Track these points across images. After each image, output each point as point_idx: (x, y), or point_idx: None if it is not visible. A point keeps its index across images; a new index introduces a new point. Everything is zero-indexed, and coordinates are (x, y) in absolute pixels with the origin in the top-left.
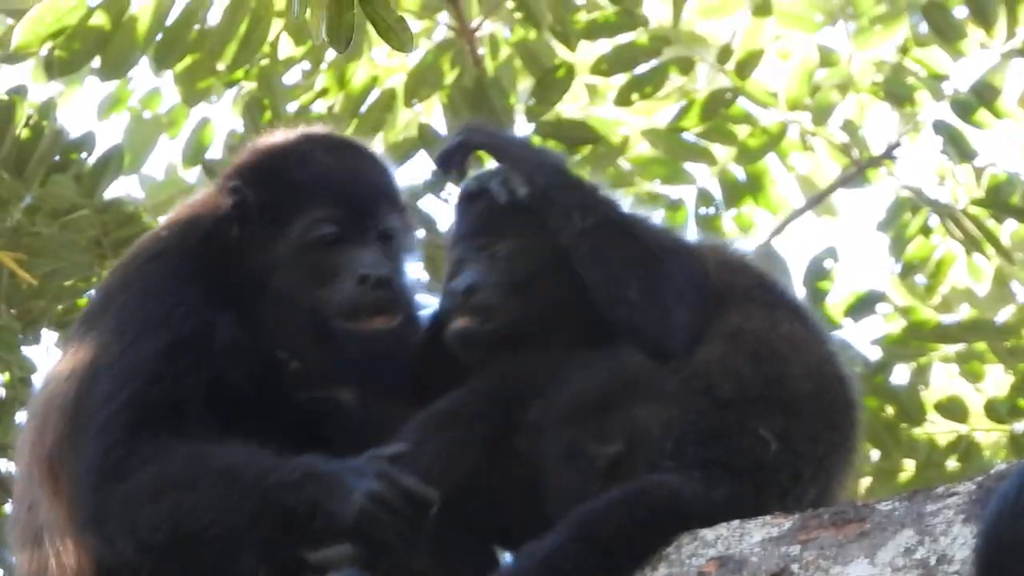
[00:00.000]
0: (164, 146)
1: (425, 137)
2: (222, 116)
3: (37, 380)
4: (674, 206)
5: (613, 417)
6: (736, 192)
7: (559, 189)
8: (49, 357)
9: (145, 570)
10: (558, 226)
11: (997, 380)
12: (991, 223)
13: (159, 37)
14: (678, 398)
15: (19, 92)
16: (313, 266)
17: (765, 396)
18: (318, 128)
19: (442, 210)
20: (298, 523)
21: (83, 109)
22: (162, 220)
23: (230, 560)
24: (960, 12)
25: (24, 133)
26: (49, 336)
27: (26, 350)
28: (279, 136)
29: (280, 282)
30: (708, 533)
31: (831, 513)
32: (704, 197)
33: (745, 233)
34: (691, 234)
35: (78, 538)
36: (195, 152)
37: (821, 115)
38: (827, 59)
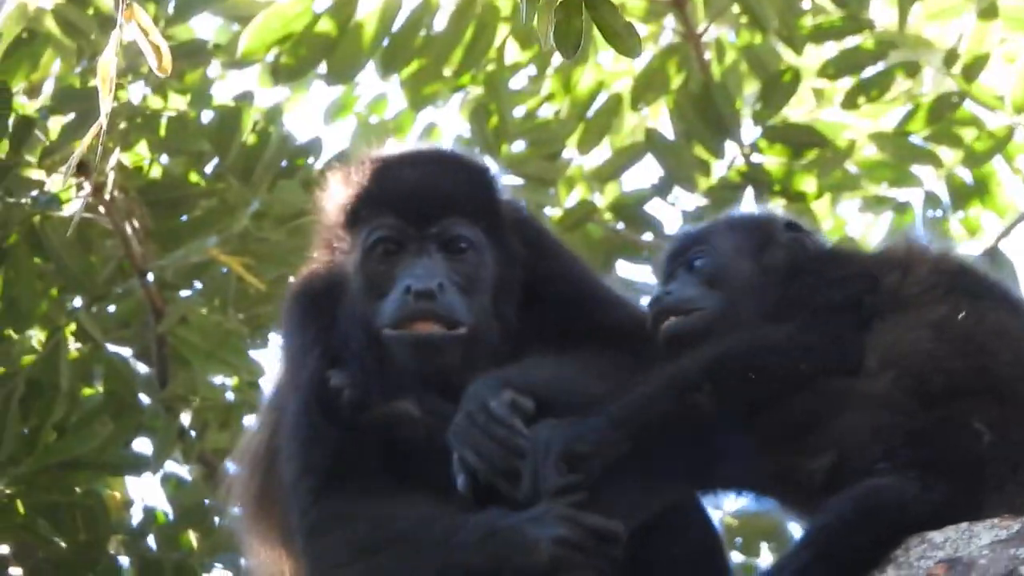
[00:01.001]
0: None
1: (651, 141)
2: (449, 121)
3: (265, 384)
4: (901, 209)
5: (820, 430)
6: (963, 195)
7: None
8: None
9: None
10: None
11: None
12: None
13: (385, 42)
14: (886, 400)
15: (246, 98)
16: (371, 278)
17: (975, 388)
18: (427, 145)
19: (670, 213)
20: None
21: (309, 115)
22: None
23: None
24: None
25: (251, 139)
26: (277, 340)
27: (254, 354)
28: (375, 155)
29: (351, 297)
30: (936, 536)
31: None
32: (931, 200)
33: (972, 236)
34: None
35: None
36: None
37: None
38: None
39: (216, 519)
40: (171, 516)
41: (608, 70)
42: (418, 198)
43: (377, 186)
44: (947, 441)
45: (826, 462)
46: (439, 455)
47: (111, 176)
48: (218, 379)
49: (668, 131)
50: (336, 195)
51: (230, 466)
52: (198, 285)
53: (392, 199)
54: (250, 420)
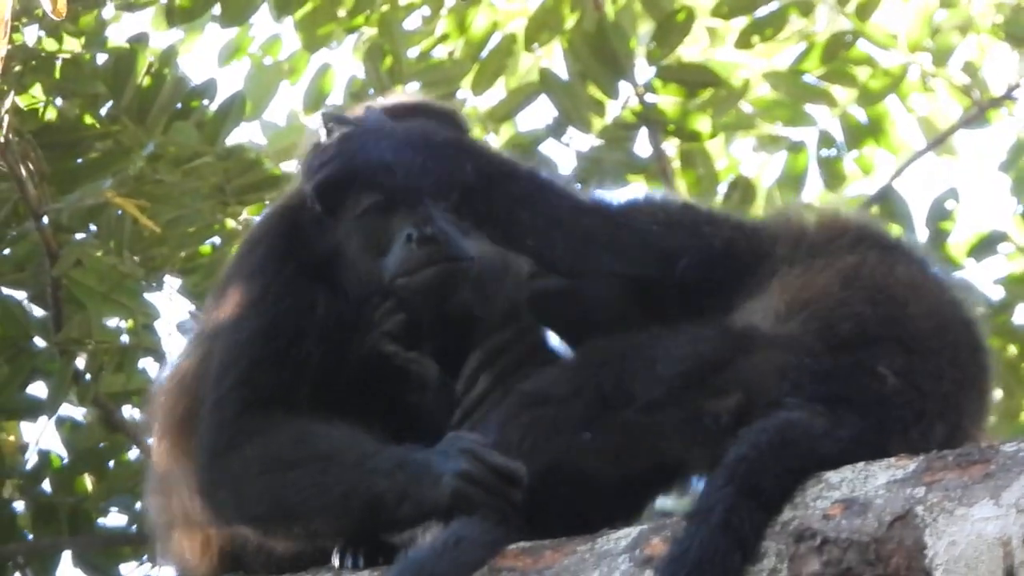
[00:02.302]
0: (285, 93)
1: (546, 81)
2: (343, 62)
3: (160, 327)
4: (795, 148)
5: (727, 372)
6: (857, 134)
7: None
8: (172, 304)
9: (252, 537)
10: None
11: None
12: None
13: None
14: (793, 342)
15: (140, 40)
16: (368, 239)
17: (883, 335)
18: (398, 97)
19: (565, 154)
20: (386, 510)
21: (204, 56)
22: (284, 166)
23: (322, 538)
24: None
25: (145, 81)
26: (172, 283)
27: (149, 297)
28: (349, 115)
29: (349, 258)
30: (833, 476)
31: (956, 455)
32: (825, 139)
33: (866, 175)
34: (813, 176)
35: (195, 498)
36: (316, 98)
37: (941, 57)
38: (947, 0)
39: (111, 462)
40: (66, 460)
41: (502, 10)
42: (407, 158)
43: (363, 151)
44: (853, 382)
45: (732, 403)
46: (444, 412)
47: (5, 119)
48: (113, 322)
49: (562, 71)
50: (319, 163)
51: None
52: (93, 228)
53: (381, 163)
54: (145, 363)
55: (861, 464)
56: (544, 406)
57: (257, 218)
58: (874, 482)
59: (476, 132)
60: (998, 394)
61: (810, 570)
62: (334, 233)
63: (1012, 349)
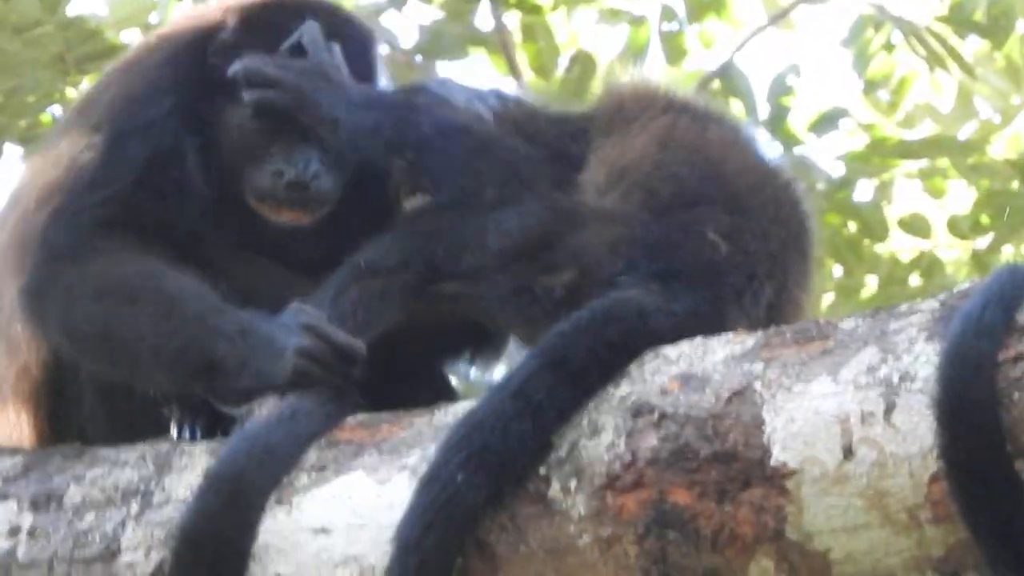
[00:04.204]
0: None
1: None
2: None
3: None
4: (637, 22)
5: (558, 248)
6: (699, 8)
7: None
8: (12, 172)
9: (71, 358)
10: None
11: (959, 196)
12: (954, 40)
13: None
14: (617, 214)
15: None
16: (245, 137)
17: (705, 196)
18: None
19: (405, 25)
20: (222, 374)
21: None
22: (125, 37)
23: (147, 382)
24: None
25: None
26: (12, 151)
27: None
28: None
29: (225, 127)
30: (670, 351)
31: (793, 331)
32: (667, 13)
33: (707, 49)
34: (655, 51)
35: (18, 308)
36: None
37: None
38: None
39: None
40: None
41: None
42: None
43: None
44: (685, 251)
45: (565, 278)
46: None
47: None
48: None
49: None
50: (236, 15)
51: None
52: None
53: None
54: None
55: (699, 339)
56: (375, 277)
57: None
58: (712, 357)
59: None
60: (837, 271)
61: (647, 445)
62: (223, 94)
63: (852, 226)
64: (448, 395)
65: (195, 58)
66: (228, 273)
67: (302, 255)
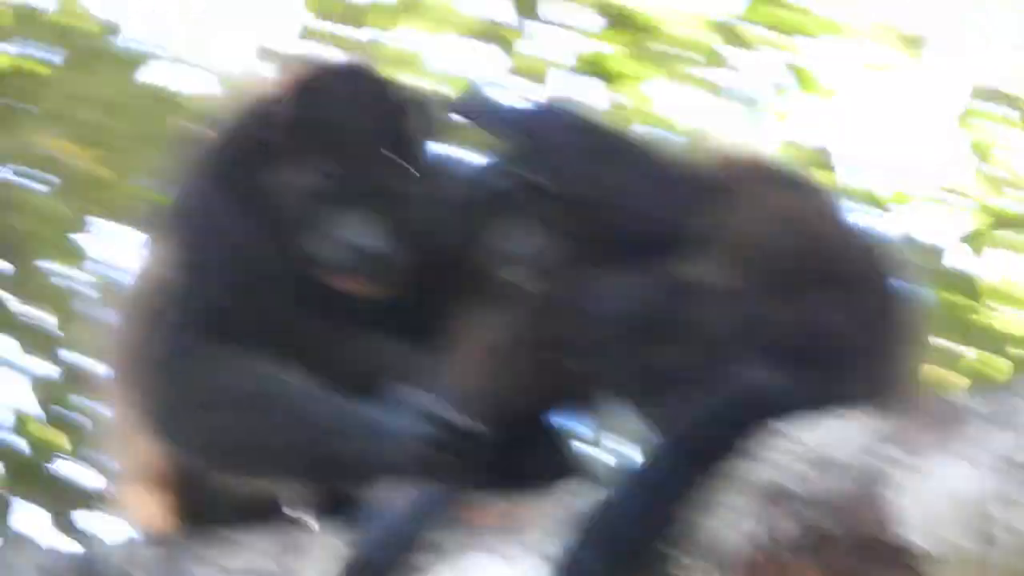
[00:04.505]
0: None
1: None
2: None
3: None
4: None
5: (681, 323)
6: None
7: None
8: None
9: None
10: None
11: None
12: None
13: None
14: (741, 293)
15: None
16: (305, 208)
17: (820, 271)
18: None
19: None
20: (351, 469)
21: None
22: None
23: (276, 480)
24: None
25: None
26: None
27: None
28: (319, 66)
29: (283, 204)
30: (805, 435)
31: (926, 412)
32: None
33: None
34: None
35: (151, 433)
36: None
37: None
38: None
39: None
40: None
41: None
42: (353, 142)
43: (316, 120)
44: (807, 332)
45: (687, 354)
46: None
47: None
48: None
49: None
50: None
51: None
52: None
53: (329, 140)
54: None
55: (832, 421)
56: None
57: None
58: (845, 440)
59: None
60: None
61: (785, 530)
62: (273, 171)
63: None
64: (555, 439)
65: (252, 149)
66: (326, 354)
67: (389, 326)
